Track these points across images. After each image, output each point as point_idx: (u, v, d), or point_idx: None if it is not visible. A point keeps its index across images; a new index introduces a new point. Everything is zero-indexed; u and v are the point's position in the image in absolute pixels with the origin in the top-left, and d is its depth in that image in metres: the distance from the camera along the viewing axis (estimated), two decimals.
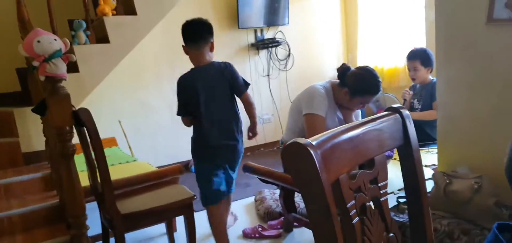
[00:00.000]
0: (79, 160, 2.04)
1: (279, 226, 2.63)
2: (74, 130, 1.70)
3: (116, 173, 2.37)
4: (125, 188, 2.14)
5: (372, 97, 2.40)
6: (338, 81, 2.47)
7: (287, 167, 0.70)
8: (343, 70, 2.43)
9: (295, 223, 2.60)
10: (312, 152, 0.69)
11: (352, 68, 2.45)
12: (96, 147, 1.73)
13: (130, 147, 3.64)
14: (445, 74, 2.50)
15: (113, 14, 3.18)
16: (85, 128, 1.76)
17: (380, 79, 2.37)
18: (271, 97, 4.75)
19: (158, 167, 2.88)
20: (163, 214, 2.03)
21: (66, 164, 1.58)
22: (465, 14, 2.32)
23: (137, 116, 4.05)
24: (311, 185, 0.68)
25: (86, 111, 1.70)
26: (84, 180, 1.94)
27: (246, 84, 2.42)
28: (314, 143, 0.72)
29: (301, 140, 0.70)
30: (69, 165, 1.59)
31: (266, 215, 2.76)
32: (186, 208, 2.04)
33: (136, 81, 4.03)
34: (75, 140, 1.70)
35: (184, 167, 4.13)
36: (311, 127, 2.37)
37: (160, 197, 2.08)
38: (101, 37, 3.18)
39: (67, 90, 1.60)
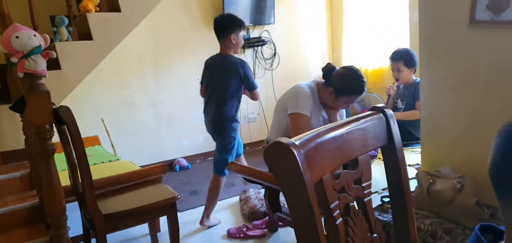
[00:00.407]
0: (60, 159, 2.00)
1: (263, 226, 2.62)
2: (55, 129, 1.66)
3: (99, 172, 2.33)
4: (107, 187, 2.10)
5: (357, 97, 2.42)
6: (323, 80, 2.48)
7: (270, 167, 0.69)
8: (328, 70, 2.43)
9: (280, 223, 2.59)
10: (295, 152, 0.68)
11: (337, 68, 2.46)
12: (77, 146, 1.69)
13: (113, 146, 3.59)
14: (428, 74, 2.53)
15: (96, 11, 3.13)
16: (65, 127, 1.72)
17: (365, 79, 2.39)
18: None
19: (142, 166, 2.84)
20: (145, 214, 2.00)
21: (45, 164, 1.54)
22: (448, 15, 2.35)
23: (120, 115, 4.00)
24: (294, 185, 0.67)
25: (66, 109, 1.66)
26: (65, 179, 1.90)
27: (250, 83, 2.84)
28: (297, 142, 0.71)
29: (284, 140, 0.69)
30: (48, 164, 1.55)
31: (251, 214, 2.75)
32: (169, 208, 2.01)
33: (119, 78, 3.97)
34: (56, 138, 1.66)
35: (168, 166, 4.12)
36: (296, 126, 2.37)
37: (143, 197, 2.05)
38: (84, 34, 3.13)
39: (46, 87, 1.56)
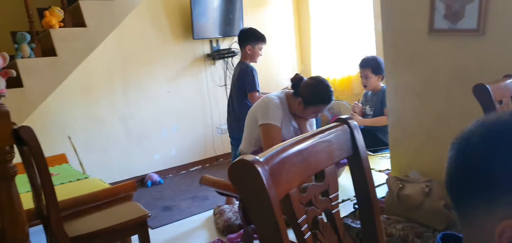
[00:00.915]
0: (23, 180, 1.92)
1: (238, 239, 2.60)
2: (16, 149, 1.60)
3: (66, 191, 2.25)
4: (74, 208, 2.04)
5: (325, 107, 2.45)
6: (292, 91, 2.50)
7: (235, 185, 0.68)
8: (296, 81, 2.46)
9: (255, 235, 2.57)
10: (259, 168, 0.67)
11: (305, 78, 2.49)
12: (40, 167, 1.63)
13: (81, 164, 3.49)
14: (393, 81, 2.59)
15: (60, 26, 3.05)
16: (27, 147, 1.66)
17: (332, 89, 2.43)
18: None
19: (112, 184, 2.77)
20: (115, 234, 1.94)
21: (6, 187, 1.48)
22: (408, 24, 2.43)
23: (88, 131, 3.89)
24: (259, 203, 0.67)
25: (28, 129, 1.60)
26: (28, 202, 1.82)
27: (248, 85, 3.25)
28: (261, 159, 0.71)
29: (248, 157, 0.69)
30: (9, 187, 1.48)
31: (225, 228, 2.72)
32: (140, 227, 1.96)
33: (87, 94, 3.88)
34: (17, 159, 1.60)
35: (139, 182, 4.04)
36: (267, 137, 2.38)
37: (113, 216, 2.00)
38: (47, 50, 3.04)
39: (6, 107, 1.50)
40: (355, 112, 3.85)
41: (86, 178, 2.98)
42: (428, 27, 2.29)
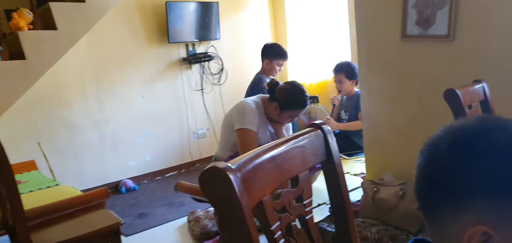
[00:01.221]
0: None
1: None
2: None
3: (35, 199, 2.17)
4: (43, 217, 1.96)
5: (300, 111, 2.47)
6: (268, 95, 2.50)
7: (205, 194, 0.66)
8: (272, 85, 2.46)
9: None
10: (231, 176, 0.66)
11: (281, 83, 2.50)
12: (5, 175, 1.56)
13: (51, 170, 3.38)
14: (367, 86, 2.63)
15: (29, 28, 2.96)
16: None
17: (307, 94, 2.44)
18: (206, 111, 4.70)
19: (85, 191, 2.69)
20: None
21: None
22: (382, 30, 2.47)
23: (59, 137, 3.78)
24: (231, 212, 0.65)
25: None
26: None
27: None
28: (233, 166, 0.69)
29: (220, 164, 0.67)
30: None
31: (202, 235, 2.68)
32: (113, 235, 1.91)
33: (57, 99, 3.76)
34: None
35: (113, 188, 3.95)
36: (243, 142, 2.37)
37: (84, 224, 1.94)
38: (15, 53, 2.94)
39: None
40: (334, 104, 3.91)
41: (56, 185, 2.89)
42: (400, 33, 2.33)
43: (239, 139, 2.40)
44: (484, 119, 0.57)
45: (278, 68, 3.68)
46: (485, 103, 1.57)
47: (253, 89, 3.54)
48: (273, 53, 3.66)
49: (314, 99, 3.98)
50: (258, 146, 2.26)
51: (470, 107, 1.46)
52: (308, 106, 2.55)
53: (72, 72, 3.82)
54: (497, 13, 2.05)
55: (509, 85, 2.04)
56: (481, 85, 1.59)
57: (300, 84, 2.48)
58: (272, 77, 3.42)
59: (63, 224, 1.98)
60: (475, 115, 0.62)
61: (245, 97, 3.55)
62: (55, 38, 3.00)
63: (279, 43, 5.15)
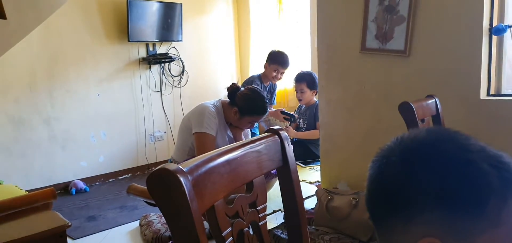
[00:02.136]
0: None
1: None
2: None
3: None
4: None
5: (260, 117, 2.46)
6: (228, 100, 2.48)
7: (153, 197, 0.63)
8: (232, 90, 2.45)
9: None
10: (181, 179, 0.63)
11: (242, 88, 2.49)
12: None
13: None
14: (325, 96, 2.67)
15: None
16: None
17: (268, 101, 2.44)
18: (164, 113, 4.60)
19: (31, 191, 2.54)
20: None
21: None
22: (342, 42, 2.52)
23: (5, 133, 3.56)
24: (179, 216, 0.62)
25: None
26: None
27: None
28: (185, 169, 0.66)
29: (170, 166, 0.64)
30: None
31: (154, 240, 2.60)
32: (57, 238, 1.80)
33: (4, 92, 3.55)
34: None
35: (62, 189, 3.76)
36: (201, 146, 2.33)
37: (26, 226, 1.81)
38: None
39: None
40: (288, 126, 3.94)
41: None
42: (360, 46, 2.39)
43: (196, 142, 2.36)
44: (435, 131, 0.58)
45: (274, 74, 3.80)
46: (436, 118, 1.64)
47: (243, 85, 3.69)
48: (272, 58, 3.80)
49: (291, 118, 3.91)
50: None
51: (422, 121, 1.51)
52: (268, 113, 2.55)
53: (22, 65, 3.62)
54: (448, 33, 2.16)
55: (459, 101, 2.14)
56: (434, 100, 1.65)
57: (261, 90, 2.48)
58: (258, 84, 3.44)
59: (3, 226, 1.85)
60: (425, 127, 0.63)
61: None
62: (4, 28, 2.82)
63: (242, 48, 5.18)
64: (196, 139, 2.36)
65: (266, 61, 3.84)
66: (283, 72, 3.87)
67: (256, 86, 2.60)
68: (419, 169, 0.52)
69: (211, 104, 2.46)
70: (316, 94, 3.85)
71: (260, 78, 3.87)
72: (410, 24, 2.19)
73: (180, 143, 2.51)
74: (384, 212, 0.55)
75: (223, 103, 2.49)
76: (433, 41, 2.20)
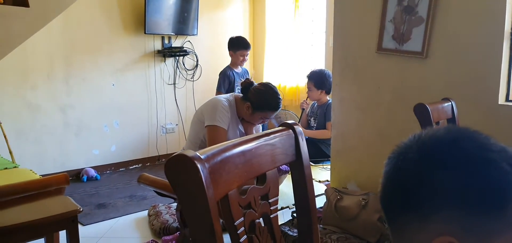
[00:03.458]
0: None
1: (173, 241, 2.52)
2: None
3: None
4: None
5: (272, 113, 2.46)
6: (241, 94, 2.49)
7: (170, 181, 0.64)
8: (246, 85, 2.45)
9: (191, 238, 2.51)
10: (199, 165, 0.64)
11: (255, 83, 2.49)
12: None
13: (10, 152, 3.23)
14: (339, 95, 2.66)
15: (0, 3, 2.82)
16: None
17: (281, 97, 2.45)
18: (176, 106, 4.63)
19: (44, 176, 2.58)
20: (41, 229, 1.80)
21: None
22: (358, 41, 2.51)
23: (22, 118, 3.63)
24: (195, 201, 0.63)
25: None
26: None
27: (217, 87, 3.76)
28: (202, 156, 0.67)
29: (188, 153, 0.65)
30: None
31: (162, 230, 2.63)
32: (69, 222, 1.84)
33: (23, 78, 3.61)
34: None
35: (74, 176, 3.82)
36: (212, 139, 2.34)
37: (40, 209, 1.85)
38: None
39: None
40: (303, 108, 4.01)
41: (14, 167, 2.76)
42: (376, 46, 2.37)
43: (208, 135, 2.38)
44: (453, 129, 0.57)
45: (241, 58, 3.93)
46: (452, 121, 1.62)
47: (218, 80, 3.92)
48: (236, 45, 3.91)
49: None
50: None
51: (437, 123, 1.50)
52: (281, 110, 2.56)
53: (42, 53, 3.68)
54: (467, 36, 2.13)
55: (475, 105, 2.11)
56: (450, 103, 1.64)
57: (274, 86, 2.48)
58: (246, 77, 3.44)
59: (18, 208, 1.89)
60: (443, 126, 0.62)
61: (217, 89, 3.87)
62: (26, 16, 2.87)
63: (257, 45, 5.19)
64: (208, 132, 2.38)
65: (231, 49, 3.94)
66: (247, 55, 4.02)
67: (270, 83, 2.60)
68: (438, 167, 0.51)
69: (224, 98, 2.47)
70: (325, 94, 3.87)
71: (230, 67, 3.97)
72: (429, 25, 2.17)
73: (192, 135, 2.53)
74: (400, 209, 0.54)
75: (236, 98, 2.50)
76: (451, 43, 2.17)
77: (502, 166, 0.49)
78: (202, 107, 2.51)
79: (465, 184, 0.49)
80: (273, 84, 2.53)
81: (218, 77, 3.94)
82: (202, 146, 2.45)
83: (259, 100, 2.38)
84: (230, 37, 4.06)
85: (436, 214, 0.50)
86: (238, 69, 4.00)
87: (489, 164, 0.49)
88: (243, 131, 2.51)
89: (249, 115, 2.42)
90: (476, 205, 0.49)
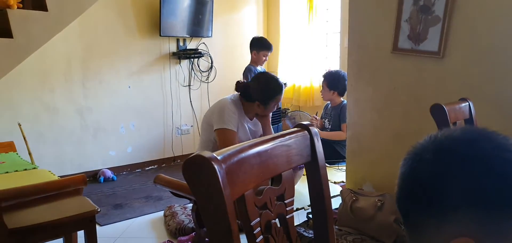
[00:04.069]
0: None
1: (189, 242, 2.54)
2: None
3: (11, 181, 2.11)
4: (18, 199, 1.90)
5: (281, 94, 2.51)
6: (243, 96, 2.54)
7: (188, 181, 0.65)
8: (243, 88, 2.51)
9: (206, 239, 2.53)
10: (216, 166, 0.65)
11: (246, 80, 2.56)
12: None
13: (30, 153, 3.30)
14: (354, 95, 2.65)
15: (18, 7, 2.88)
16: None
17: (277, 76, 2.57)
18: (191, 107, 4.66)
19: (62, 177, 2.63)
20: (60, 229, 1.84)
21: None
22: (374, 41, 2.49)
23: (41, 120, 3.71)
24: (212, 201, 0.64)
25: None
26: None
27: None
28: (219, 157, 0.68)
29: (205, 154, 0.66)
30: None
31: (177, 231, 2.66)
32: (87, 222, 1.87)
33: (42, 81, 3.69)
34: None
35: (91, 177, 3.88)
36: (223, 141, 2.38)
37: (59, 209, 1.89)
38: (2, 31, 2.86)
39: None
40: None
41: (34, 168, 2.82)
42: (392, 46, 2.35)
43: (219, 138, 2.42)
44: (470, 129, 0.56)
45: (264, 58, 4.07)
46: (469, 122, 1.60)
47: (245, 76, 3.97)
48: (260, 45, 4.04)
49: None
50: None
51: (454, 124, 1.48)
52: (285, 86, 2.63)
53: (59, 56, 3.76)
54: (486, 35, 2.09)
55: (494, 105, 2.07)
56: (467, 103, 1.62)
57: (265, 72, 2.58)
58: (237, 81, 3.57)
59: (37, 208, 1.93)
60: (459, 126, 0.62)
61: None
62: (45, 20, 2.93)
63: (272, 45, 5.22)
64: (218, 135, 2.41)
65: (254, 49, 4.05)
66: (268, 56, 4.16)
67: (260, 72, 2.71)
68: (454, 167, 0.51)
69: (230, 98, 2.51)
70: (337, 95, 3.87)
71: (253, 65, 4.07)
72: (446, 25, 2.14)
73: (204, 139, 2.57)
74: (416, 210, 0.54)
75: (240, 97, 2.54)
76: (469, 43, 2.14)
77: None
78: (209, 110, 2.56)
79: (482, 184, 0.49)
80: (262, 70, 2.61)
81: (242, 73, 4.05)
82: (214, 149, 2.47)
83: (264, 94, 2.45)
84: (254, 37, 4.18)
85: (454, 215, 0.50)
86: (258, 68, 4.09)
87: (507, 164, 0.49)
88: (253, 129, 2.56)
89: (263, 110, 2.47)
90: (494, 205, 0.48)
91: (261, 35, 5.20)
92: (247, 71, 4.00)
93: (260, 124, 2.61)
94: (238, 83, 2.58)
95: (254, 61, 4.08)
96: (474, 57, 2.13)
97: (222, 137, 2.37)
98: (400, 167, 0.59)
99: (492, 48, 2.08)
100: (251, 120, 2.58)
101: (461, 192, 0.50)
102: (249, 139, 2.51)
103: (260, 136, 2.62)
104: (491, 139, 0.52)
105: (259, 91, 2.45)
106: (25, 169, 2.79)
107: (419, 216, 0.54)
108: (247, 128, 2.52)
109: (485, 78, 2.10)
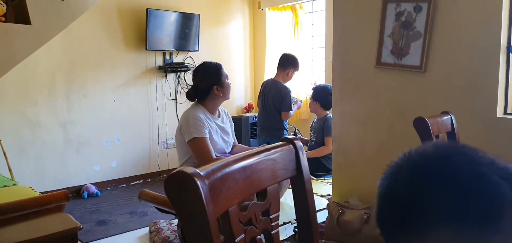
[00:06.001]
0: None
1: None
2: None
3: None
4: None
5: (223, 69, 2.59)
6: (199, 98, 2.58)
7: (170, 198, 0.64)
8: (193, 91, 2.61)
9: None
10: (198, 182, 0.64)
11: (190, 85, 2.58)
12: None
13: (10, 170, 3.22)
14: (339, 109, 2.67)
15: (1, 21, 2.84)
16: None
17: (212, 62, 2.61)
18: (178, 121, 4.62)
19: (44, 193, 2.57)
20: None
21: None
22: (357, 56, 2.52)
23: (22, 135, 3.63)
24: (194, 218, 0.63)
25: None
26: None
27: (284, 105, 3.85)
28: (202, 173, 0.67)
29: (188, 169, 0.65)
30: None
31: None
32: (69, 240, 1.82)
33: (24, 95, 3.62)
34: None
35: (74, 193, 3.80)
36: (197, 151, 2.42)
37: (39, 227, 1.84)
38: None
39: None
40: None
41: (14, 184, 2.76)
42: (375, 60, 2.39)
43: (192, 149, 2.45)
44: (442, 146, 0.56)
45: (293, 77, 4.04)
46: (452, 135, 1.62)
47: (286, 99, 3.85)
48: (297, 65, 3.97)
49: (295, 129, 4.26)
50: (212, 146, 2.33)
51: (437, 137, 1.50)
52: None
53: (43, 69, 3.70)
54: (465, 50, 2.14)
55: (475, 118, 2.11)
56: (449, 116, 1.64)
57: (201, 64, 2.60)
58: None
59: (16, 226, 1.87)
60: (433, 142, 0.62)
61: (272, 107, 3.91)
62: (28, 33, 2.89)
63: (257, 60, 5.24)
64: (191, 147, 2.44)
65: (290, 68, 3.91)
66: None
67: (196, 66, 2.70)
68: (428, 186, 0.51)
69: (191, 108, 2.55)
70: (319, 106, 3.91)
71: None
72: (427, 40, 2.18)
73: (181, 155, 2.56)
74: (396, 230, 0.54)
75: (198, 102, 2.57)
76: (449, 57, 2.19)
77: (492, 178, 0.48)
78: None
79: (456, 201, 0.49)
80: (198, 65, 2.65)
81: (285, 95, 3.88)
82: (192, 159, 2.49)
83: (213, 74, 2.52)
84: (291, 55, 4.01)
85: (433, 232, 0.49)
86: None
87: (479, 178, 0.49)
88: (221, 124, 2.59)
89: (223, 90, 2.54)
90: (470, 220, 0.48)
91: (247, 49, 5.23)
92: (288, 93, 3.88)
93: (229, 119, 2.69)
94: (187, 93, 2.65)
95: (283, 79, 3.94)
96: (454, 71, 2.17)
97: (195, 147, 2.40)
98: (377, 186, 0.59)
99: (470, 62, 2.13)
100: (218, 117, 2.60)
101: (437, 210, 0.49)
102: (220, 136, 2.54)
103: (230, 133, 2.66)
104: (461, 154, 0.52)
105: (203, 79, 2.51)
106: (5, 186, 2.72)
107: (400, 235, 0.53)
108: (215, 126, 2.55)
109: (465, 91, 2.15)
